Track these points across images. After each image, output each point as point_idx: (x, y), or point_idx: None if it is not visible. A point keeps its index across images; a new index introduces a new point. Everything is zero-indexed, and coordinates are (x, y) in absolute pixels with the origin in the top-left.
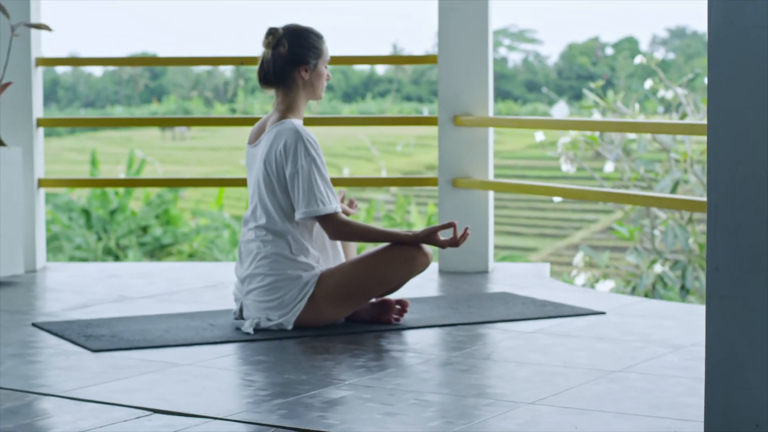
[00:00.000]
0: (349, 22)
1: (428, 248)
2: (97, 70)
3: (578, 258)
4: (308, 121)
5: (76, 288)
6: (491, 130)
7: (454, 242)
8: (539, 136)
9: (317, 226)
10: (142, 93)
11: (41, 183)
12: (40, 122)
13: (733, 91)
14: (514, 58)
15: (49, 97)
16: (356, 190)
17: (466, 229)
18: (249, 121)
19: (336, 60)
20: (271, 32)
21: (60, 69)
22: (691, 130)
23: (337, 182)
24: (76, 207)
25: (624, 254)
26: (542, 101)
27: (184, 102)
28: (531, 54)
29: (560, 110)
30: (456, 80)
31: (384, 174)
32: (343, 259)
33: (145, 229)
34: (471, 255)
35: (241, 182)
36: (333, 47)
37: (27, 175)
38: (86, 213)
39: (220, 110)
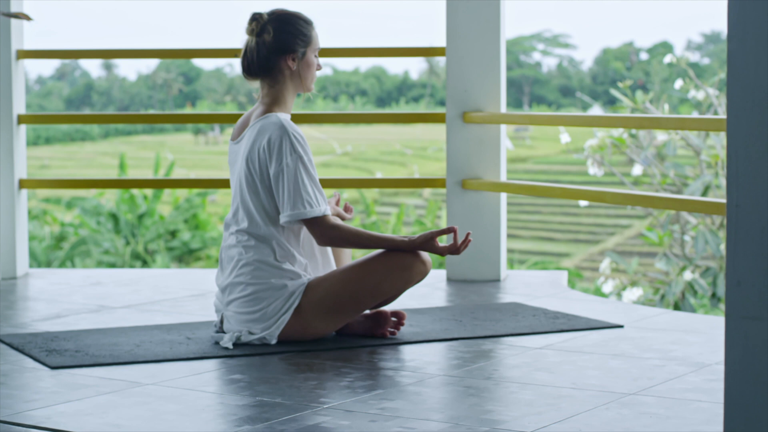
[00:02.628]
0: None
1: (427, 255)
2: (132, 75)
3: (605, 265)
4: (300, 118)
5: (53, 296)
6: (503, 127)
7: (454, 249)
8: (564, 138)
9: (305, 231)
10: (176, 98)
11: (23, 184)
12: (21, 119)
13: (754, 81)
14: (549, 63)
15: (84, 101)
16: (388, 193)
17: (468, 235)
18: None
19: (339, 52)
20: (255, 18)
21: (95, 74)
22: (709, 125)
23: (335, 184)
24: (104, 211)
25: (655, 260)
26: (576, 106)
27: (218, 106)
28: (565, 59)
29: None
30: (466, 74)
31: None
32: (333, 267)
33: (173, 234)
34: (481, 262)
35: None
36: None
37: (6, 176)
38: (114, 217)
39: None
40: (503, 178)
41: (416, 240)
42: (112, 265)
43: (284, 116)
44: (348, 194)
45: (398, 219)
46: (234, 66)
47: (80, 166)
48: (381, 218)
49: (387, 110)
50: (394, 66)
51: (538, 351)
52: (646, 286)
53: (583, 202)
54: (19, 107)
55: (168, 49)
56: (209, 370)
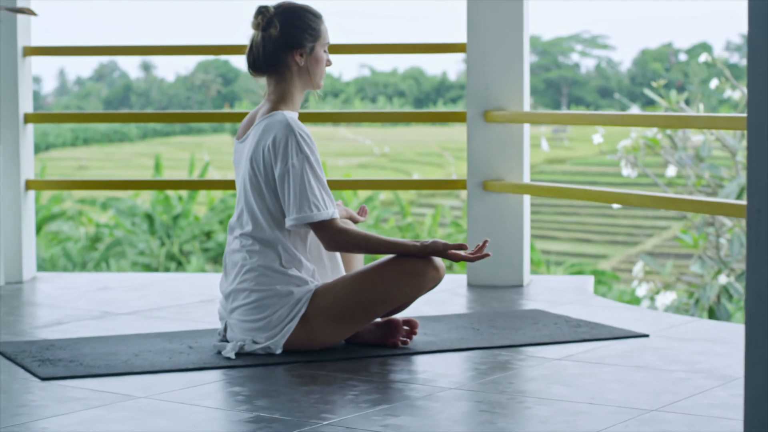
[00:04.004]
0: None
1: (440, 261)
2: (170, 76)
3: (638, 268)
4: (309, 117)
5: (57, 302)
6: (527, 126)
7: (468, 258)
8: (597, 139)
9: (312, 235)
10: (214, 99)
11: (29, 185)
12: (27, 118)
13: None
14: (587, 64)
15: (122, 102)
16: (425, 195)
17: (485, 243)
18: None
19: (355, 49)
20: (261, 11)
21: (133, 75)
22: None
23: (370, 186)
24: (139, 212)
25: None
26: (615, 107)
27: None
28: (604, 60)
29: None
30: (487, 71)
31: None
32: (343, 273)
33: (208, 235)
34: (503, 267)
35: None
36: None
37: (12, 176)
38: (149, 218)
39: None
40: (526, 179)
41: (429, 245)
42: (147, 267)
43: (290, 114)
44: (384, 196)
45: (434, 220)
46: None
47: (117, 167)
48: (417, 219)
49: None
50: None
51: (557, 362)
52: (681, 290)
53: (616, 205)
54: (26, 106)
55: (173, 46)
56: (207, 382)
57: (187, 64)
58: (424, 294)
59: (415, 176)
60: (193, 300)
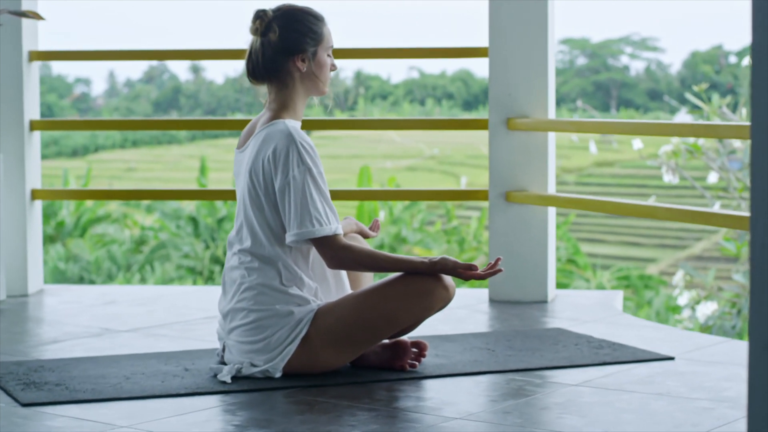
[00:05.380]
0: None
1: (450, 280)
2: (219, 78)
3: (678, 277)
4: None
5: (58, 318)
6: (552, 135)
7: (480, 276)
8: (637, 144)
9: (315, 251)
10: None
11: (35, 194)
12: (33, 125)
13: None
14: (636, 67)
15: (171, 104)
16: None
17: (497, 261)
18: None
19: (373, 53)
20: (259, 15)
21: (182, 77)
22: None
23: (382, 196)
24: (183, 215)
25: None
26: (664, 110)
27: (305, 110)
28: (653, 62)
29: (682, 119)
30: (510, 76)
31: None
32: (348, 292)
33: None
34: (527, 282)
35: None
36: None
37: (16, 186)
38: (194, 221)
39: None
40: (551, 190)
41: (437, 262)
42: (191, 270)
43: (292, 123)
44: None
45: (480, 223)
46: None
47: (165, 169)
48: (462, 222)
49: (425, 117)
50: (481, 70)
51: (574, 389)
52: (723, 300)
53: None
54: (32, 112)
55: (183, 51)
56: (197, 410)
57: (236, 66)
58: (432, 315)
59: (463, 179)
60: (200, 316)
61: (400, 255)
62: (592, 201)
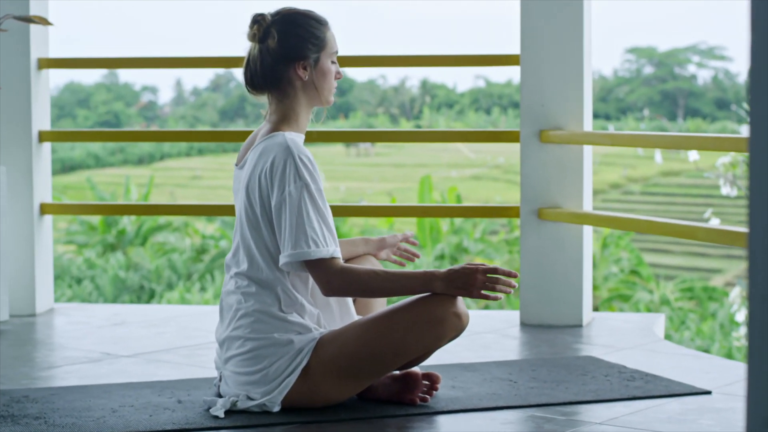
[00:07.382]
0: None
1: (463, 308)
2: None
3: (735, 293)
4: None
5: (61, 340)
6: (588, 149)
7: (491, 297)
8: (693, 155)
9: None
10: (329, 109)
11: (44, 209)
12: (43, 136)
13: None
14: (704, 76)
15: (237, 112)
16: None
17: (511, 278)
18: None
19: (401, 61)
20: (257, 20)
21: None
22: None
23: (391, 212)
24: None
25: None
26: (731, 119)
27: (369, 118)
28: (721, 71)
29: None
30: (543, 86)
31: None
32: (354, 318)
33: None
34: (561, 304)
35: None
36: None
37: (23, 200)
38: None
39: (405, 127)
40: (587, 207)
41: (458, 271)
42: None
43: (292, 136)
44: None
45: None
46: (387, 77)
47: (229, 177)
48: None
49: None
50: None
51: (597, 427)
52: None
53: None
54: (42, 123)
55: (194, 58)
56: None
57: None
58: (444, 345)
59: None
60: (210, 339)
61: (416, 271)
62: (629, 220)
